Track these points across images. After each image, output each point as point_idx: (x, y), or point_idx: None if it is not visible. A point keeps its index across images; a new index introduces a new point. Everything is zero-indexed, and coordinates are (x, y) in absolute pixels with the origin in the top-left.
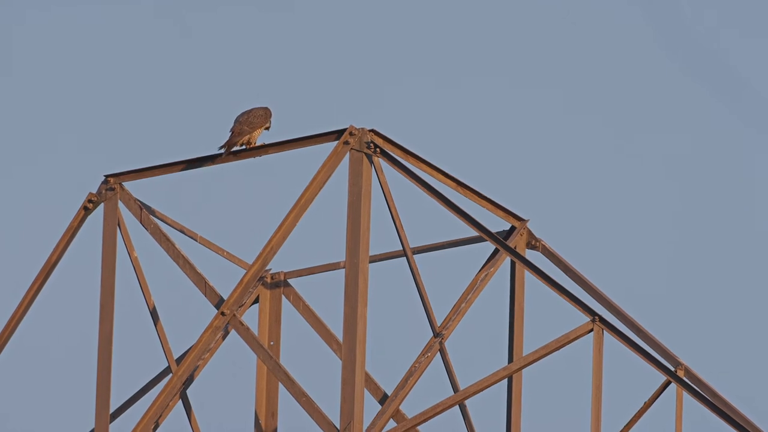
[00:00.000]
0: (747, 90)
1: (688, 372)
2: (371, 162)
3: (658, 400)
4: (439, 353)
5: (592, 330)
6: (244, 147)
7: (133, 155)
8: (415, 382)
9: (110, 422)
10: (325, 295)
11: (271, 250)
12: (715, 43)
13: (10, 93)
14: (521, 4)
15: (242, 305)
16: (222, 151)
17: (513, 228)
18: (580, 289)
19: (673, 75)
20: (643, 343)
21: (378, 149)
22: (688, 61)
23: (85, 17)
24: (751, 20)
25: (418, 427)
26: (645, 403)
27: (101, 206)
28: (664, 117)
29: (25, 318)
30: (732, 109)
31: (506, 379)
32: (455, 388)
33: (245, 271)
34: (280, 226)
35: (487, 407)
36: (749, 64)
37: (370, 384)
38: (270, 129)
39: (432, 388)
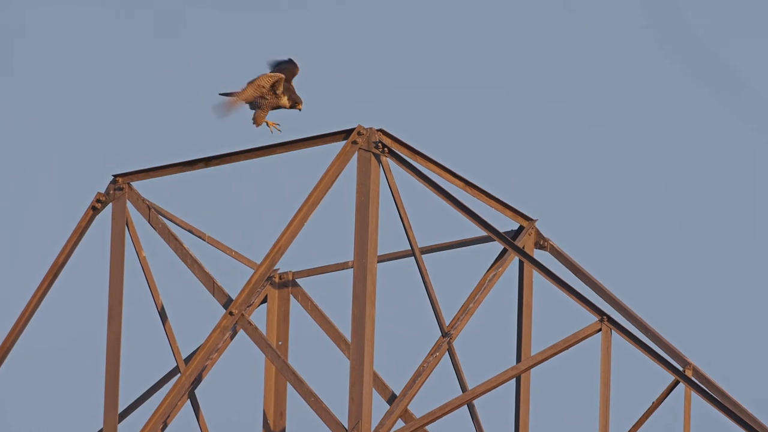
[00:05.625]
0: (747, 90)
1: (696, 372)
2: (379, 162)
3: (666, 399)
4: (447, 353)
5: (600, 330)
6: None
7: (142, 155)
8: (423, 382)
9: (119, 422)
10: (334, 295)
11: (279, 250)
12: (715, 43)
13: (15, 93)
14: (526, 5)
15: (250, 305)
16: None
17: (521, 228)
18: (589, 288)
19: (673, 76)
20: (651, 342)
21: (386, 149)
22: (689, 62)
23: (90, 16)
24: (751, 20)
25: (427, 427)
26: (653, 402)
27: (109, 206)
28: (665, 117)
29: (33, 318)
30: (732, 109)
31: (514, 379)
32: (463, 388)
33: (253, 270)
34: (288, 226)
35: (496, 407)
36: (749, 64)
37: (379, 384)
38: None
39: (440, 388)
